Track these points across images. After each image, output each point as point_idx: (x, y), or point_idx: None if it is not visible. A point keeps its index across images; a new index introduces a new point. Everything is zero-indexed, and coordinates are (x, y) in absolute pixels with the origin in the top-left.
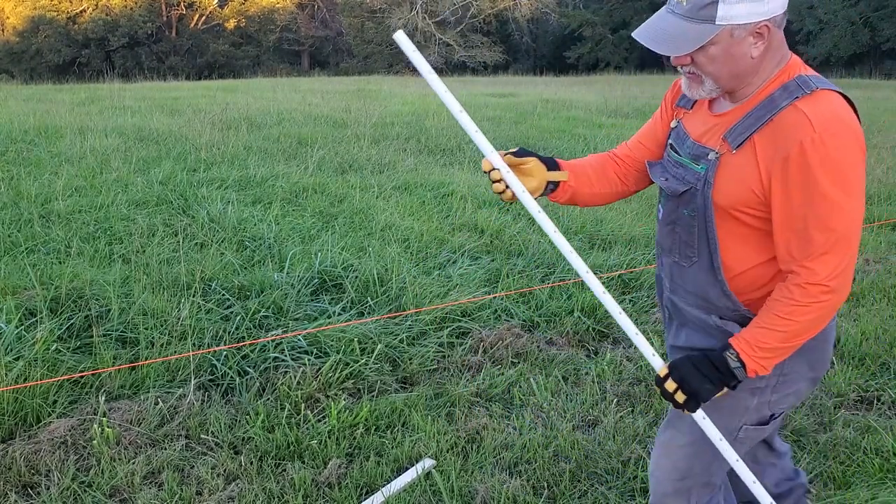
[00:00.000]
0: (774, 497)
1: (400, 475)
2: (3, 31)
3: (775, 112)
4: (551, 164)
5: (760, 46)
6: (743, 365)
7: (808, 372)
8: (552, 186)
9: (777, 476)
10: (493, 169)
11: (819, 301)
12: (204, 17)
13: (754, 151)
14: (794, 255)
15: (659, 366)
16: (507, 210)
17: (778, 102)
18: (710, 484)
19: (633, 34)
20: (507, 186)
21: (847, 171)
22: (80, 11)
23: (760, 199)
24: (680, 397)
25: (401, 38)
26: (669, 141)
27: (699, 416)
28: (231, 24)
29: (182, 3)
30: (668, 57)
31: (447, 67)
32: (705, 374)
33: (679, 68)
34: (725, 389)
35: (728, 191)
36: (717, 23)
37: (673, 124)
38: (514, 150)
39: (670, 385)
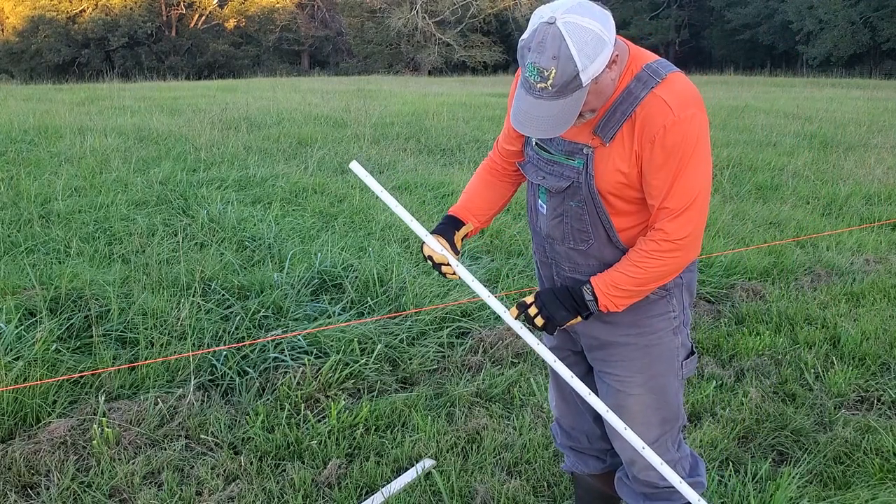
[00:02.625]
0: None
1: (400, 475)
2: (2, 30)
3: (637, 103)
4: (458, 224)
5: (616, 68)
6: (596, 299)
7: (690, 300)
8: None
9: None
10: (447, 264)
11: (669, 256)
12: (204, 17)
13: (624, 140)
14: (655, 219)
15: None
16: (508, 210)
17: (636, 93)
18: (683, 424)
19: (520, 131)
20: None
21: (700, 143)
22: (80, 11)
23: (634, 178)
24: (539, 321)
25: (355, 167)
26: (535, 141)
27: (567, 374)
28: (231, 24)
29: (182, 3)
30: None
31: (447, 67)
32: (562, 302)
33: None
34: (578, 318)
35: (608, 178)
36: (584, 84)
37: None
38: (444, 243)
39: (532, 310)
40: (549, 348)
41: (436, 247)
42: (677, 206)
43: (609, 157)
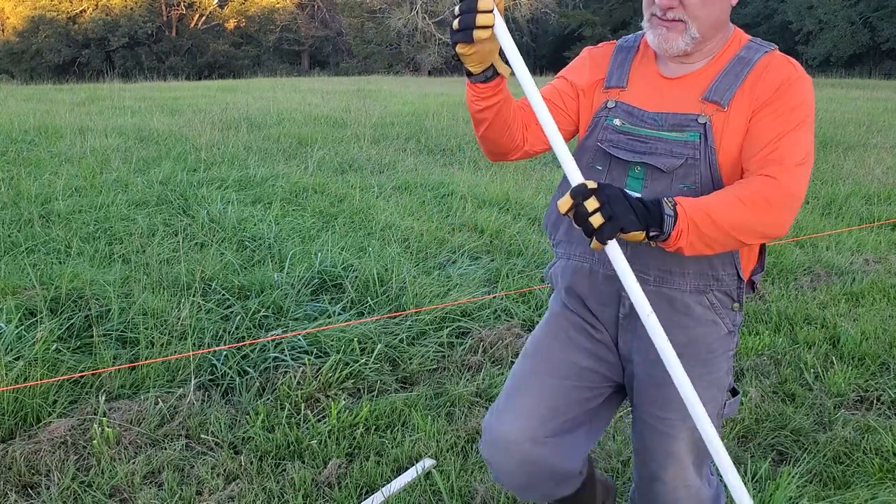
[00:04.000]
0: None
1: (400, 475)
2: (3, 31)
3: (751, 65)
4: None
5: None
6: (675, 217)
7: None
8: (491, 73)
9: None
10: (490, 10)
11: (781, 202)
12: (204, 17)
13: (742, 102)
14: (770, 164)
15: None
16: (508, 210)
17: (749, 57)
18: (712, 460)
19: None
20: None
21: (812, 110)
22: (80, 11)
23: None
24: (598, 219)
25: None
26: (615, 121)
27: (693, 402)
28: (231, 24)
29: (182, 3)
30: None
31: (447, 67)
32: (633, 205)
33: (654, 20)
34: (642, 235)
35: (729, 149)
36: None
37: (610, 104)
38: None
39: (592, 203)
40: (583, 367)
41: None
42: (788, 156)
43: (728, 125)
